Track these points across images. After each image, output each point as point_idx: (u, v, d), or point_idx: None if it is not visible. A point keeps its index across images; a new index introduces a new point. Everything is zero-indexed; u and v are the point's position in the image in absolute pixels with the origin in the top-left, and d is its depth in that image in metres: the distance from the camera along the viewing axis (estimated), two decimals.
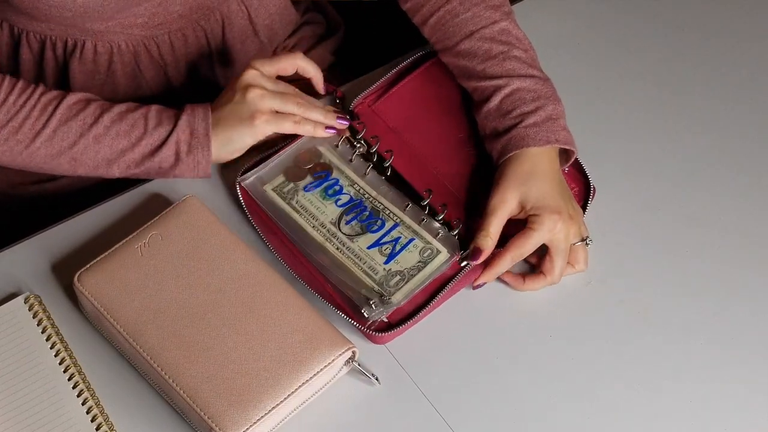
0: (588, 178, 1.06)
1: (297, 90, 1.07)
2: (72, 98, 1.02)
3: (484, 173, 1.06)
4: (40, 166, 1.03)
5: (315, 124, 1.06)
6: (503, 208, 1.00)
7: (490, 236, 0.99)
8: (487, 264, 0.99)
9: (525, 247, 0.99)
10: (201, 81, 1.16)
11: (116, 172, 1.03)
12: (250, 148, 1.05)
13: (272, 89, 1.04)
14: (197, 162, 1.02)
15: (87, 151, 1.02)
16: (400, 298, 0.98)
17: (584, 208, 1.05)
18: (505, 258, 0.99)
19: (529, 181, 1.00)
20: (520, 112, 1.02)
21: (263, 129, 1.03)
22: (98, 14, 1.03)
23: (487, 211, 1.00)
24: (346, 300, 0.99)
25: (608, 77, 1.20)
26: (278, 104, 1.04)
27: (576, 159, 1.06)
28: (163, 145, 1.01)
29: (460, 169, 1.07)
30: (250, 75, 1.04)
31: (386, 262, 1.00)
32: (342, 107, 1.13)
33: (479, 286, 1.01)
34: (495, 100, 1.04)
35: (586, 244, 1.02)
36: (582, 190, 1.07)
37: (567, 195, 1.02)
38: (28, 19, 1.06)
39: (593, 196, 1.06)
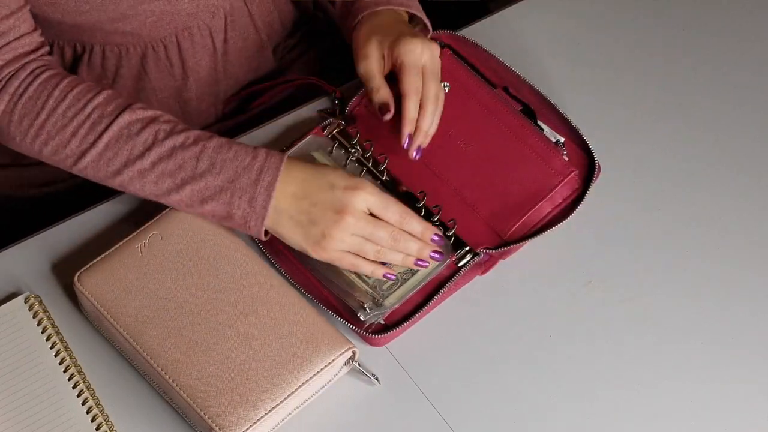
0: (593, 157, 1.06)
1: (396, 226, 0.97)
2: (125, 119, 0.96)
3: (481, 167, 1.06)
4: (92, 179, 0.99)
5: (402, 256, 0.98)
6: (370, 62, 1.04)
7: (378, 89, 1.03)
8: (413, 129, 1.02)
9: (412, 82, 1.01)
10: (204, 79, 1.16)
11: (164, 203, 0.98)
12: None
13: (367, 232, 0.96)
14: (248, 228, 0.96)
15: (132, 183, 0.97)
16: (393, 301, 0.98)
17: (587, 186, 1.05)
18: (411, 108, 1.01)
19: (378, 31, 1.05)
20: None
21: (319, 256, 0.97)
22: (114, 8, 1.03)
23: (364, 78, 1.04)
24: (342, 304, 0.99)
25: (608, 77, 1.20)
26: (358, 248, 0.96)
27: (581, 137, 1.06)
28: (214, 198, 0.95)
29: (457, 165, 1.07)
30: (358, 201, 0.95)
31: None
32: (341, 107, 1.13)
33: (417, 152, 1.03)
34: None
35: (444, 87, 1.07)
36: (584, 171, 1.06)
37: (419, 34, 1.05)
38: (38, 24, 1.06)
39: (598, 175, 1.06)
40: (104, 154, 0.97)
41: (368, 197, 0.95)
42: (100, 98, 0.97)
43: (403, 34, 1.03)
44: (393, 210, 0.97)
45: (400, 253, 0.97)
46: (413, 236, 0.97)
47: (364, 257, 0.96)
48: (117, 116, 0.96)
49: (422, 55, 1.02)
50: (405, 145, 1.02)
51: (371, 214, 0.96)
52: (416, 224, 0.98)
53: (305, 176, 0.96)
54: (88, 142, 0.96)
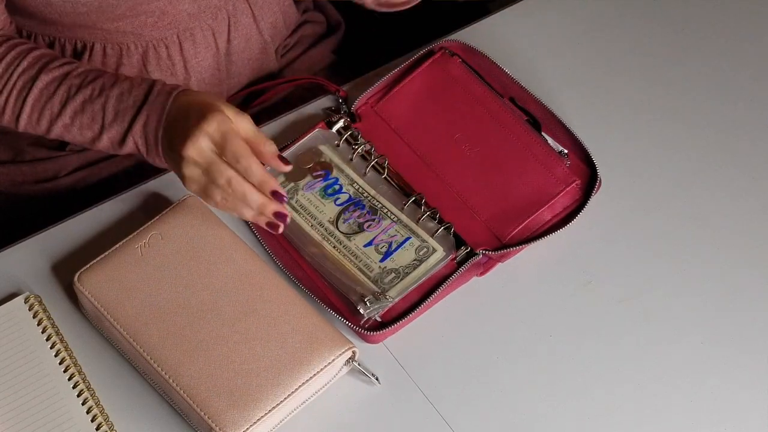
0: (596, 170, 1.06)
1: (237, 168, 0.93)
2: (42, 81, 1.01)
3: (484, 172, 1.07)
4: (34, 134, 1.05)
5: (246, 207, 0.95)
6: None
7: None
8: None
9: None
10: (206, 80, 1.17)
11: (96, 149, 1.04)
12: None
13: (204, 170, 0.94)
14: (158, 163, 1.01)
15: (64, 136, 1.03)
16: (394, 294, 0.98)
17: (587, 199, 1.05)
18: None
19: None
20: None
21: (186, 185, 0.97)
22: (112, 10, 1.03)
23: None
24: (341, 299, 0.99)
25: (607, 78, 1.20)
26: (203, 186, 0.95)
27: (585, 151, 1.07)
28: (123, 142, 1.01)
29: (460, 168, 1.07)
30: (200, 134, 0.92)
31: (382, 260, 1.00)
32: (345, 107, 1.13)
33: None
34: None
35: None
36: (586, 182, 1.06)
37: None
38: (38, 22, 1.06)
39: (598, 188, 1.06)
40: (32, 116, 1.02)
41: (209, 131, 0.92)
42: (24, 64, 1.02)
43: None
44: (231, 148, 0.91)
45: (247, 206, 0.93)
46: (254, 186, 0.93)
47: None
48: (36, 79, 1.01)
49: None
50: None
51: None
52: (256, 171, 0.92)
53: (181, 111, 0.97)
54: (18, 107, 1.02)
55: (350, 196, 1.05)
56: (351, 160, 1.08)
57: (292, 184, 1.06)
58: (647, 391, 0.97)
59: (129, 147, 1.01)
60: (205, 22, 1.12)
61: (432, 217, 1.03)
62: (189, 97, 0.98)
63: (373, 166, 1.07)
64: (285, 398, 0.90)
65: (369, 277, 1.00)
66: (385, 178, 1.07)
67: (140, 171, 1.11)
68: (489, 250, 1.01)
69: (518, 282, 1.03)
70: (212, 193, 0.94)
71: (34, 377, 0.94)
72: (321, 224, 1.03)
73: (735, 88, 1.19)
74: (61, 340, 0.96)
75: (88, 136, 1.02)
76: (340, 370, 0.95)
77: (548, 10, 1.26)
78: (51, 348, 0.95)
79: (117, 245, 0.98)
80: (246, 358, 0.91)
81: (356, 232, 1.03)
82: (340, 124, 1.10)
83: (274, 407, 0.90)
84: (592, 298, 1.02)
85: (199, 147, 0.92)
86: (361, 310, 0.98)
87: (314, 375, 0.91)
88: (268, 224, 0.95)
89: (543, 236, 1.03)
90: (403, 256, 1.01)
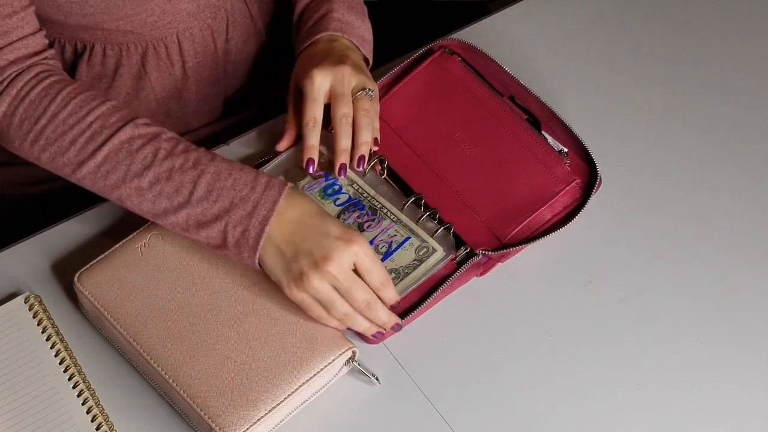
0: (596, 169, 1.06)
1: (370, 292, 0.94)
2: (126, 133, 0.94)
3: (483, 171, 1.07)
4: (91, 189, 0.97)
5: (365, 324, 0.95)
6: (288, 98, 1.08)
7: (285, 122, 1.07)
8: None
9: (306, 112, 1.03)
10: (205, 79, 1.17)
11: (161, 224, 0.96)
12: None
13: (344, 287, 0.92)
14: (242, 258, 0.94)
15: (130, 199, 0.95)
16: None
17: (587, 198, 1.05)
18: (306, 137, 1.03)
19: (301, 63, 1.07)
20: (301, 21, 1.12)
21: (292, 294, 0.93)
22: (118, 10, 1.03)
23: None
24: None
25: (608, 78, 1.20)
26: (329, 301, 0.92)
27: (585, 149, 1.06)
28: (209, 225, 0.93)
29: (460, 168, 1.07)
30: (346, 254, 0.91)
31: (382, 260, 1.00)
32: None
33: (341, 170, 1.03)
34: (294, 17, 1.14)
35: (367, 94, 1.05)
36: (586, 181, 1.06)
37: (339, 55, 1.04)
38: (39, 22, 1.06)
39: (598, 187, 1.06)
40: (102, 167, 0.94)
41: (358, 252, 0.92)
42: (103, 108, 0.95)
43: (309, 68, 1.03)
44: (377, 274, 0.93)
45: (367, 321, 0.94)
46: (384, 306, 0.95)
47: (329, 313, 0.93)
48: (119, 129, 0.94)
49: (322, 84, 1.02)
50: (308, 170, 1.03)
51: (355, 271, 0.93)
52: (393, 294, 0.95)
53: (302, 216, 0.93)
54: (87, 152, 0.94)
55: (350, 196, 1.05)
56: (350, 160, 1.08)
57: (292, 185, 1.05)
58: (647, 391, 0.97)
59: (207, 232, 0.93)
60: (204, 22, 1.12)
61: (432, 217, 1.03)
62: (305, 200, 0.95)
63: (372, 166, 1.07)
64: (285, 398, 0.90)
65: None
66: (384, 178, 1.07)
67: None
68: (489, 250, 1.01)
69: (518, 282, 1.03)
70: (334, 310, 0.92)
71: (34, 377, 0.94)
72: None
73: (735, 88, 1.20)
74: (61, 340, 0.96)
75: (161, 207, 0.94)
76: (340, 370, 0.95)
77: (548, 10, 1.26)
78: (51, 348, 0.95)
79: (117, 245, 0.98)
80: (246, 358, 0.91)
81: None
82: None
83: (274, 407, 0.90)
84: (592, 298, 1.02)
85: (343, 266, 0.91)
86: None
87: (314, 375, 0.91)
88: (375, 333, 0.96)
89: (543, 236, 1.03)
90: (403, 256, 1.01)
